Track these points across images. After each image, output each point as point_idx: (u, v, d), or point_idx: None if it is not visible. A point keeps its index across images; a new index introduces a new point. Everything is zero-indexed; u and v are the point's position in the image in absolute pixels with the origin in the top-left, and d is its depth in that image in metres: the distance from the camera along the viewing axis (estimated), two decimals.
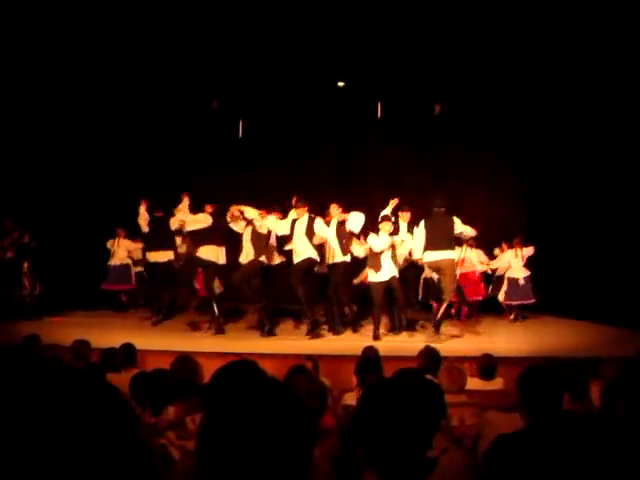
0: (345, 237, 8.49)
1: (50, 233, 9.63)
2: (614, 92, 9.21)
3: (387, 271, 8.04)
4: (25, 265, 9.55)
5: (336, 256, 8.43)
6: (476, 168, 12.19)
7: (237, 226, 8.66)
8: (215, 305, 8.50)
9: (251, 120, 12.30)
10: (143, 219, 9.15)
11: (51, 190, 9.99)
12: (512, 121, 11.66)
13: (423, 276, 9.93)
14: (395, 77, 10.73)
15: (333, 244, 8.37)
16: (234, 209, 8.52)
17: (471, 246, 10.01)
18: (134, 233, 10.17)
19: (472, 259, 10.12)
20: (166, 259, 9.29)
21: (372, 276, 8.15)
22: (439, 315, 7.91)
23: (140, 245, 10.27)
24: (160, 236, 9.18)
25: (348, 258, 8.53)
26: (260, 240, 8.52)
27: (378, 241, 8.06)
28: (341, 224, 8.49)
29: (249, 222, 8.57)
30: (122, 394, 1.12)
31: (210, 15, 9.01)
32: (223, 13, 9.02)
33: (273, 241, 8.95)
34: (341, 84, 11.58)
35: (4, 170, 9.32)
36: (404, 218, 8.64)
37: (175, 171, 12.42)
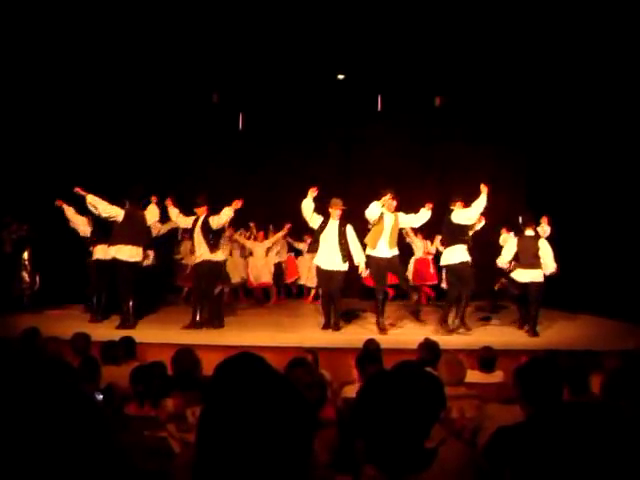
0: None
1: (50, 226, 9.61)
2: (614, 82, 9.19)
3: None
4: (25, 258, 9.54)
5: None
6: (476, 160, 12.17)
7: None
8: None
9: (251, 113, 12.28)
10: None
11: (51, 183, 9.96)
12: (512, 113, 11.64)
13: None
14: (395, 70, 10.70)
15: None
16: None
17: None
18: None
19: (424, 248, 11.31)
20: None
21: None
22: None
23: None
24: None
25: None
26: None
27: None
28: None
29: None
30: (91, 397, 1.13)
31: (210, 8, 8.97)
32: (223, 6, 8.98)
33: None
34: (341, 77, 11.55)
35: (4, 163, 9.30)
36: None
37: (175, 164, 12.42)
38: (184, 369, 4.00)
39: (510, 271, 8.32)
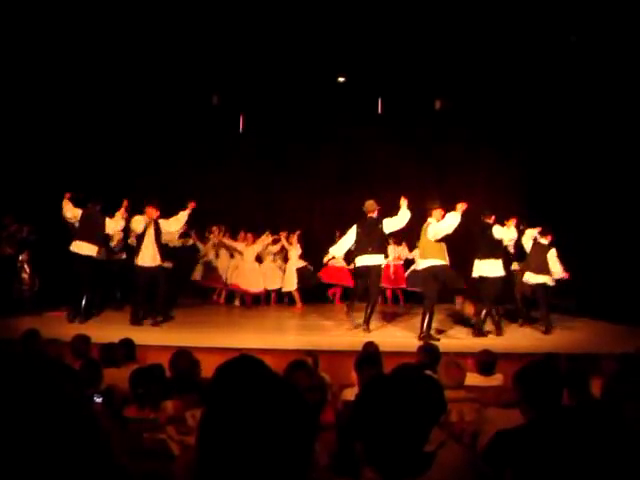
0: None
1: (50, 227, 9.62)
2: (614, 87, 9.21)
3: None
4: (25, 260, 9.54)
5: None
6: (476, 163, 12.19)
7: None
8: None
9: (251, 115, 12.29)
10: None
11: (52, 184, 9.97)
12: (512, 116, 11.65)
13: None
14: (395, 73, 10.71)
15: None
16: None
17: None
18: None
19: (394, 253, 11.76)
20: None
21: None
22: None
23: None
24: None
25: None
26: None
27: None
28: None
29: None
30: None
31: (210, 10, 8.98)
32: (223, 8, 8.99)
33: None
34: (341, 79, 11.56)
35: (4, 165, 9.30)
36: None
37: (175, 166, 12.42)
38: (182, 371, 4.00)
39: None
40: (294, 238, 11.52)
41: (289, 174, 12.79)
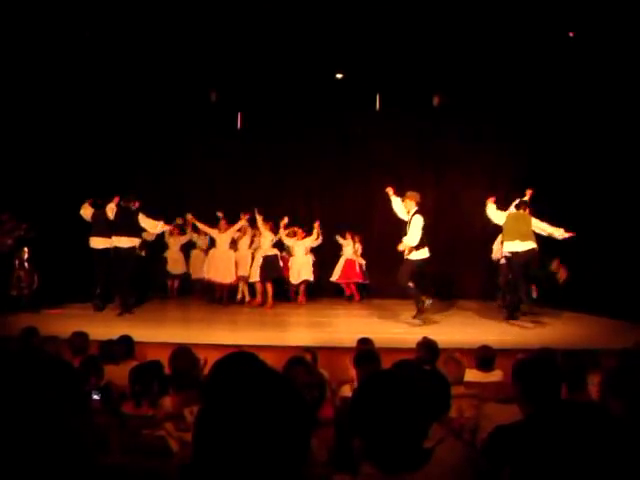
0: None
1: (49, 225, 9.61)
2: (613, 83, 9.19)
3: None
4: (24, 257, 9.53)
5: None
6: (475, 159, 12.18)
7: None
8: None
9: (249, 112, 12.28)
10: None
11: (51, 182, 9.96)
12: (511, 111, 11.64)
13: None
14: (394, 69, 10.69)
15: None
16: None
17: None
18: None
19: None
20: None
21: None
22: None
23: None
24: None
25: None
26: None
27: None
28: None
29: None
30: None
31: (207, 6, 8.96)
32: (220, 4, 8.97)
33: None
34: (339, 76, 11.54)
35: (3, 161, 9.29)
36: None
37: (173, 163, 12.41)
38: (182, 368, 4.00)
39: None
40: (300, 233, 11.40)
41: (287, 171, 12.79)
